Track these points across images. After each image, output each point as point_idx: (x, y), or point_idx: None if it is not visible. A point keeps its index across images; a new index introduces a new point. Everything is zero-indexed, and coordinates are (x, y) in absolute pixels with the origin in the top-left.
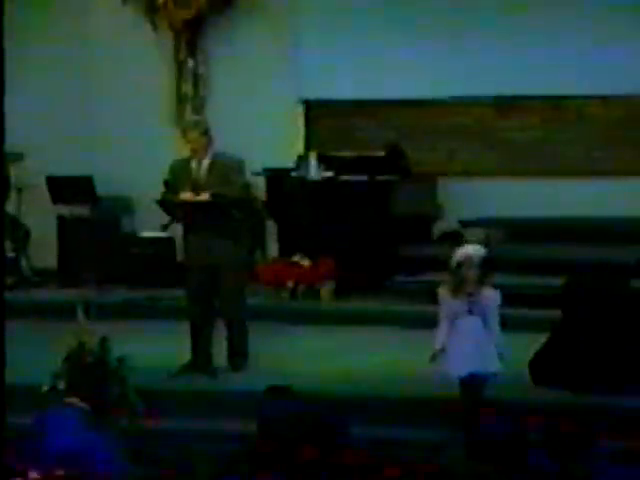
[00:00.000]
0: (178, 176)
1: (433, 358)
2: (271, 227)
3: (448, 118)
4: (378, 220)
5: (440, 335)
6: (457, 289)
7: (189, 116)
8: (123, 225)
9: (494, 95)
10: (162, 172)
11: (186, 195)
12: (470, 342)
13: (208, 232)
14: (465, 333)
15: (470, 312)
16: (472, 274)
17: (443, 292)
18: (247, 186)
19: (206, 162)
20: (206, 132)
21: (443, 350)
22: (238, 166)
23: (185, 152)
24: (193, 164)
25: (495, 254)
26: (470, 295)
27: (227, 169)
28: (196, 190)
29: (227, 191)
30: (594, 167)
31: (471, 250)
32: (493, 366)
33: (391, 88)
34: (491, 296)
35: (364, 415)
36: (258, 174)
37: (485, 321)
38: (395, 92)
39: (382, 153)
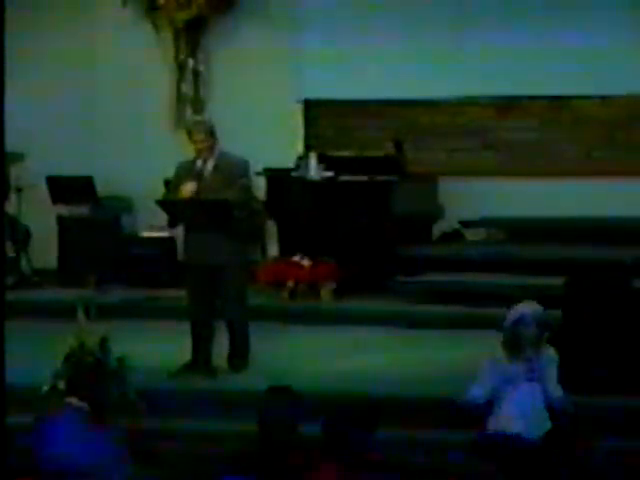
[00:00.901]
0: (183, 177)
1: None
2: (271, 227)
3: (448, 118)
4: (378, 220)
5: (482, 391)
6: (513, 351)
7: (189, 116)
8: (123, 225)
9: (494, 95)
10: (162, 172)
11: (186, 187)
12: (527, 407)
13: (209, 232)
14: (523, 401)
15: (529, 379)
16: (529, 334)
17: (501, 354)
18: (248, 188)
19: (211, 162)
20: (212, 132)
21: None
22: (243, 167)
23: (186, 152)
24: (198, 164)
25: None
26: (529, 360)
27: (232, 170)
28: (200, 190)
29: (229, 195)
30: (594, 167)
31: (527, 307)
32: (544, 428)
33: (391, 88)
34: (550, 357)
35: None
36: (258, 174)
37: (543, 385)
38: (395, 92)
39: (385, 152)
